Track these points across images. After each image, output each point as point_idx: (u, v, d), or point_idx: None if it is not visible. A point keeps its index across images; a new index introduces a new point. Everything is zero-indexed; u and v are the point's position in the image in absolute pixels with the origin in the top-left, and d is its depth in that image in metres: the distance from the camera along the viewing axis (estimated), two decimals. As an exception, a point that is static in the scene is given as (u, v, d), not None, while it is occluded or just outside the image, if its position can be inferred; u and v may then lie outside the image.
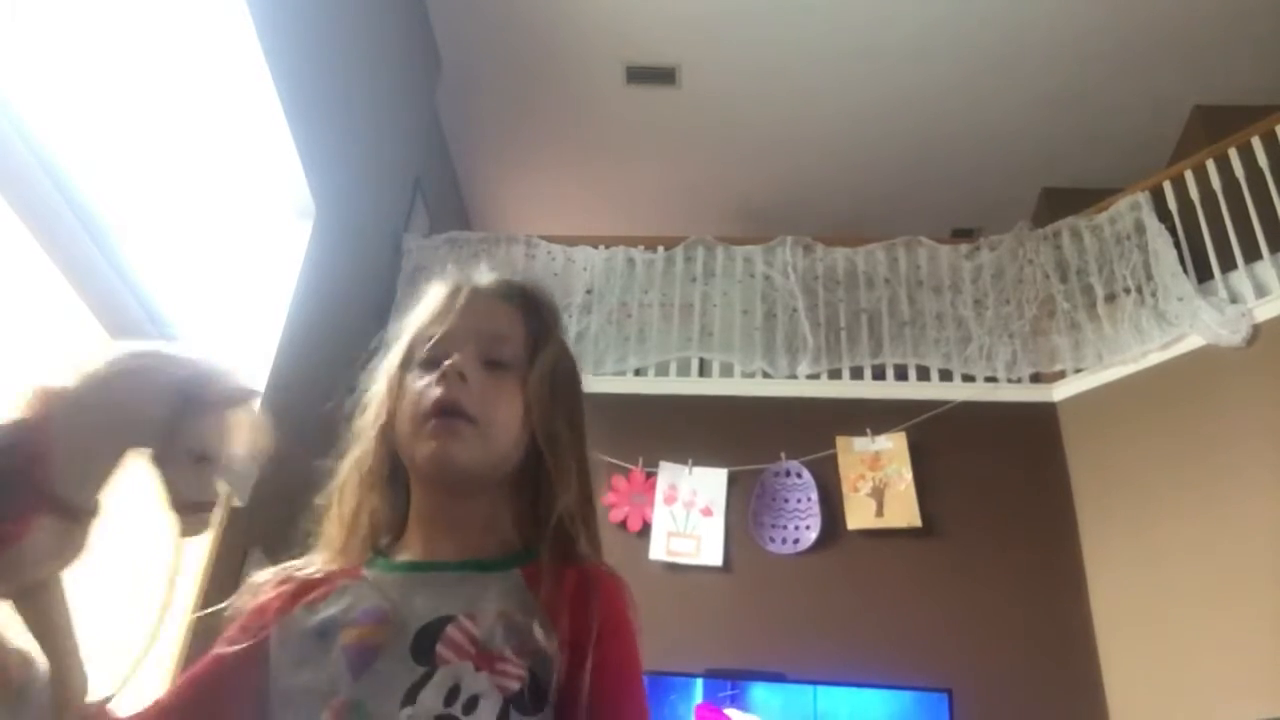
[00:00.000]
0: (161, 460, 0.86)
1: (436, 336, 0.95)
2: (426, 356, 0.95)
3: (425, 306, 1.00)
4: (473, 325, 0.96)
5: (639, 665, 0.89)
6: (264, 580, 0.95)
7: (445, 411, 0.90)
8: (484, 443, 0.91)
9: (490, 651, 0.82)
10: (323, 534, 0.97)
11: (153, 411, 0.86)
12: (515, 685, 0.81)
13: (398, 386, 0.96)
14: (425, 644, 0.83)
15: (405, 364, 0.97)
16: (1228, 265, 3.80)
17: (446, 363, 0.92)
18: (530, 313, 1.00)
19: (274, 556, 1.02)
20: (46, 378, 0.84)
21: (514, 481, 0.95)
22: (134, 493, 0.87)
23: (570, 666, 0.83)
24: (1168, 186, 4.16)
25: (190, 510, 0.87)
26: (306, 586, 0.92)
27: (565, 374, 0.99)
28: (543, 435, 0.94)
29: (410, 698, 0.80)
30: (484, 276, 1.02)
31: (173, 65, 2.69)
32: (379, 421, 0.96)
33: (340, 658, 0.83)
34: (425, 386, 0.93)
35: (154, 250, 2.53)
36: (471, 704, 0.80)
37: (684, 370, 4.37)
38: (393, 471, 0.97)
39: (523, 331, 0.98)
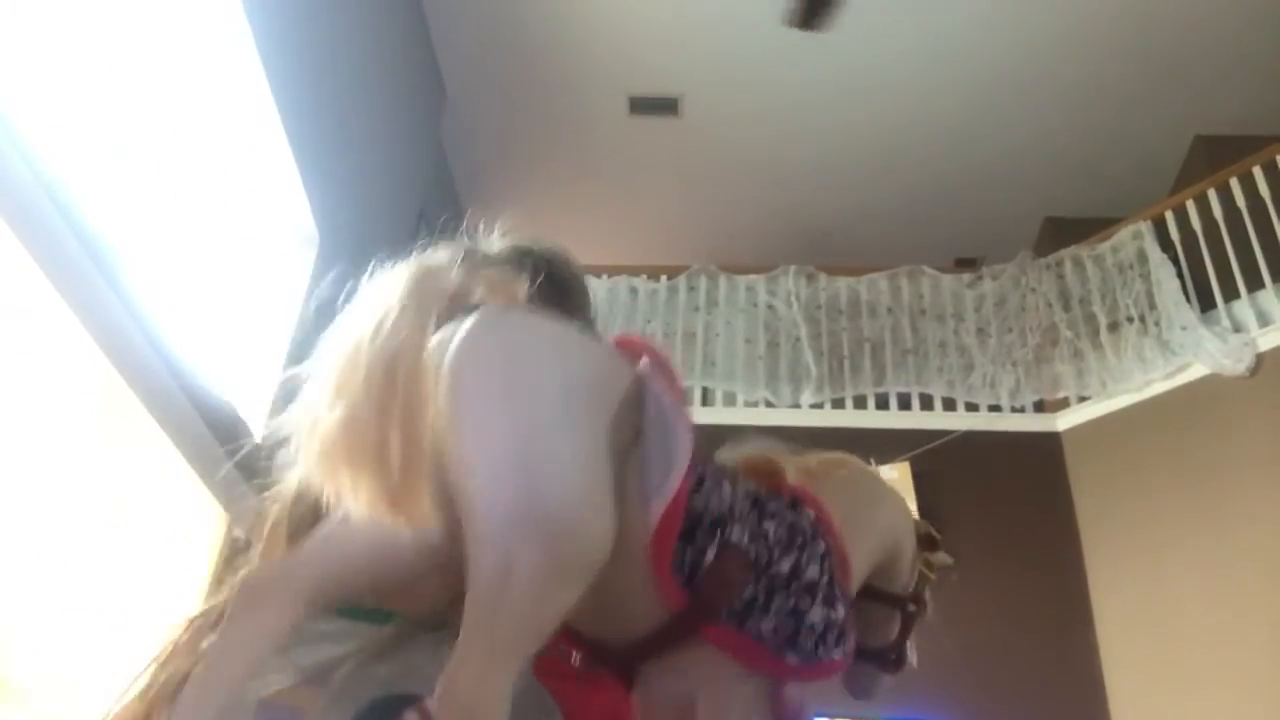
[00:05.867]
0: None
1: None
2: None
3: None
4: None
5: None
6: None
7: None
8: None
9: None
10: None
11: None
12: None
13: None
14: None
15: None
16: (1230, 294, 3.80)
17: None
18: None
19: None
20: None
21: None
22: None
23: None
24: (1170, 216, 4.17)
25: None
26: None
27: None
28: None
29: None
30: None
31: (178, 94, 2.71)
32: None
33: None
34: None
35: (158, 277, 2.54)
36: None
37: (686, 399, 4.35)
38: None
39: None
